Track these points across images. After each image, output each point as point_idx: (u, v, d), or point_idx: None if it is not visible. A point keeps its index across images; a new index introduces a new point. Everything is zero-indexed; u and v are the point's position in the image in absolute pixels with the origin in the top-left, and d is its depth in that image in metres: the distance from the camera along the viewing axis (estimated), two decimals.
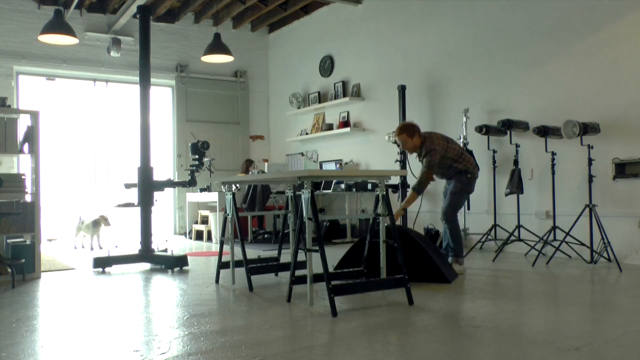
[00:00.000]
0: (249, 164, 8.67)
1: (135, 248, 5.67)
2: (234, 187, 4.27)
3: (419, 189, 4.57)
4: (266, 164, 8.89)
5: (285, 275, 4.55)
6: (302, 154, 9.45)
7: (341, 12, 8.64)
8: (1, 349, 2.57)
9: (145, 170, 5.44)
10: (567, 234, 5.07)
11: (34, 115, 4.80)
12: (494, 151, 6.11)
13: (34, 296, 3.92)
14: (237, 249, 4.27)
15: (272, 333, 2.78)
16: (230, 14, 9.09)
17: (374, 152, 7.99)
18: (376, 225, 3.73)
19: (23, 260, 4.59)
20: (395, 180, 6.83)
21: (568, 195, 5.61)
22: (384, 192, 3.59)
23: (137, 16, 5.70)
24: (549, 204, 5.72)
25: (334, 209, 8.66)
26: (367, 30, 8.20)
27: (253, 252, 6.44)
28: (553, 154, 5.42)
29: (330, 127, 8.73)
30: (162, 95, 9.61)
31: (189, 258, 5.85)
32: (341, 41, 8.69)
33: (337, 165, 8.42)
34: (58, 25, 6.32)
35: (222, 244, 4.39)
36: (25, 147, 4.77)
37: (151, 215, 5.49)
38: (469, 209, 6.46)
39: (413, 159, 6.44)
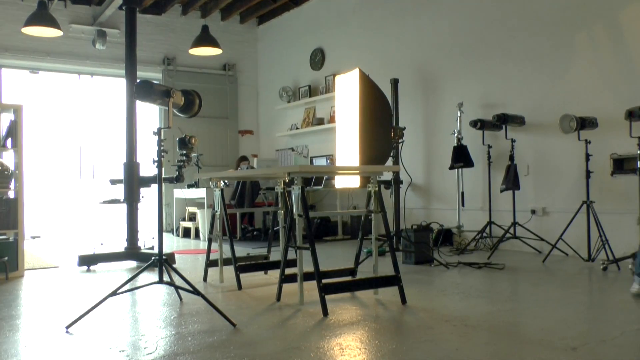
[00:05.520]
0: (242, 160, 8.57)
1: (121, 245, 5.61)
2: (222, 183, 4.19)
3: None
4: (255, 159, 8.80)
5: (275, 274, 4.48)
6: (292, 149, 9.37)
7: (332, 3, 8.56)
8: None
9: (131, 166, 5.37)
10: (564, 231, 5.03)
11: (17, 109, 4.72)
12: (489, 146, 6.06)
13: (17, 295, 3.86)
14: (226, 247, 4.21)
15: (261, 333, 2.73)
16: (218, 6, 8.99)
17: None
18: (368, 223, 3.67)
19: (6, 258, 4.53)
20: (387, 176, 6.76)
21: (565, 191, 5.57)
22: (376, 189, 3.53)
23: (123, 8, 5.64)
24: (545, 201, 5.68)
25: (325, 206, 8.60)
26: (359, 22, 8.12)
27: (242, 249, 6.39)
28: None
29: (321, 121, 8.66)
30: None
31: (176, 256, 5.78)
32: (332, 33, 8.61)
33: (328, 161, 8.35)
34: (42, 17, 6.24)
35: (210, 241, 4.33)
36: (8, 142, 4.71)
37: (137, 212, 5.45)
38: (463, 205, 6.41)
39: (407, 155, 6.38)
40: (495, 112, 5.89)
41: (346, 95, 3.64)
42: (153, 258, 3.17)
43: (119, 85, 9.00)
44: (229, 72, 9.96)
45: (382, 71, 7.37)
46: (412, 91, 7.22)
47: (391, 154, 6.80)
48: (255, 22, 10.17)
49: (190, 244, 7.45)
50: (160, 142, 3.20)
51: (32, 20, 6.21)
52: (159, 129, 3.20)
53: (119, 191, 5.48)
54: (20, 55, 8.26)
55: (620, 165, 4.84)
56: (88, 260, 5.13)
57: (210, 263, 4.35)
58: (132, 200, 5.35)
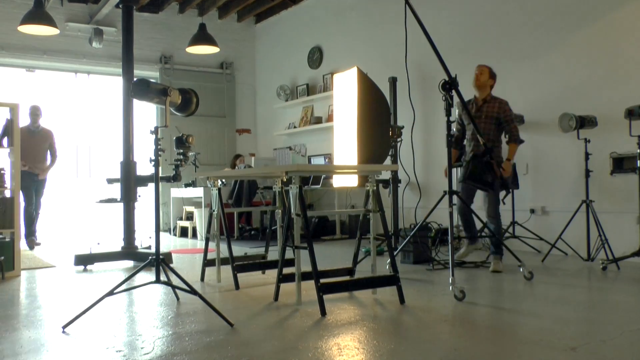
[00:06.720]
0: (237, 158, 8.55)
1: (118, 245, 5.58)
2: (219, 182, 4.17)
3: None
4: (253, 158, 8.77)
5: (272, 273, 4.46)
6: (290, 148, 9.35)
7: (330, 1, 8.53)
8: None
9: (128, 165, 5.34)
10: (564, 230, 5.01)
11: (14, 108, 4.69)
12: None
13: (14, 295, 3.84)
14: (223, 246, 4.18)
15: (259, 333, 2.72)
16: (215, 4, 8.96)
17: None
18: (366, 222, 3.65)
19: (2, 257, 4.50)
20: (386, 175, 6.75)
21: (564, 190, 5.56)
22: (375, 188, 3.51)
23: (120, 6, 5.60)
24: (544, 200, 5.66)
25: (322, 205, 8.58)
26: (357, 20, 8.10)
27: (239, 249, 6.37)
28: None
29: (319, 120, 8.63)
30: None
31: (173, 255, 5.76)
32: (330, 32, 8.58)
33: (326, 160, 8.33)
34: (38, 15, 6.21)
35: (207, 240, 4.30)
36: (5, 141, 4.69)
37: (134, 211, 5.41)
38: None
39: (405, 153, 6.37)
40: None
41: (344, 94, 3.62)
42: (150, 257, 3.15)
43: (115, 84, 8.96)
44: (226, 71, 9.93)
45: (380, 70, 7.35)
46: (410, 89, 7.18)
47: (389, 153, 6.80)
48: (253, 21, 10.15)
49: (188, 243, 7.43)
50: (157, 140, 3.18)
51: (29, 19, 6.17)
52: (156, 128, 3.17)
53: (115, 190, 5.45)
54: (17, 53, 8.22)
55: (620, 164, 4.83)
56: (85, 260, 5.10)
57: (207, 263, 4.33)
58: (129, 199, 5.32)
